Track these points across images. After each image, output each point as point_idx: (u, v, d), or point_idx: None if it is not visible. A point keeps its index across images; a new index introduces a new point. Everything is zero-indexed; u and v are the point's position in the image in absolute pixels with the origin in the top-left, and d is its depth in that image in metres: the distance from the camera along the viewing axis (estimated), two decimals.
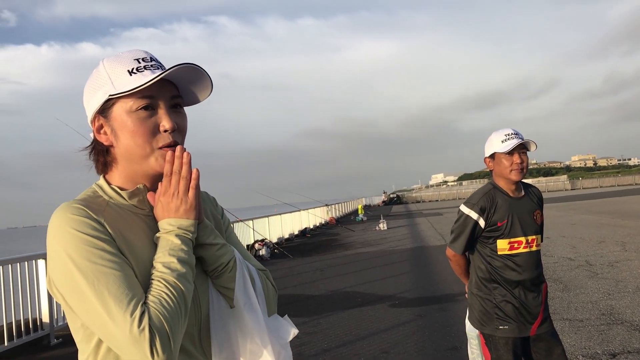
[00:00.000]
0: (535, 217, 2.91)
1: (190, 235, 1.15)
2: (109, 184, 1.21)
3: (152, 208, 1.20)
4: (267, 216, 18.20)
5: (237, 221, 14.95)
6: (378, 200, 69.77)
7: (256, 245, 15.19)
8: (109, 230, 1.10)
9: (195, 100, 1.24)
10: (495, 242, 2.83)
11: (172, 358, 1.03)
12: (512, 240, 2.83)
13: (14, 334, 6.10)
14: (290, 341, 1.28)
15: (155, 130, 1.15)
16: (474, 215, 2.83)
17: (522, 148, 2.83)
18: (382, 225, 22.82)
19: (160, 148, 1.16)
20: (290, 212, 21.44)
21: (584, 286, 7.58)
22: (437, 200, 68.76)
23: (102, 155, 1.21)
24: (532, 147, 2.85)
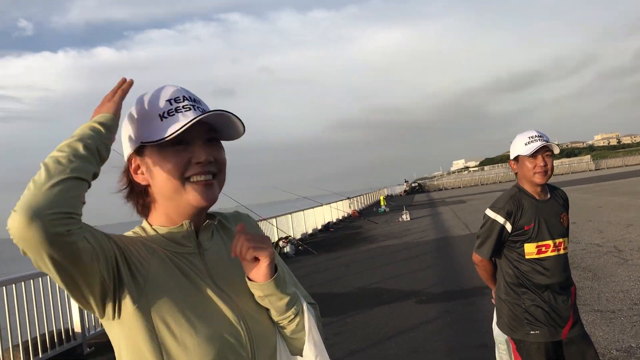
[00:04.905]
0: (562, 220, 2.86)
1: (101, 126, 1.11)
2: (150, 225, 1.21)
3: (197, 245, 1.20)
4: (290, 213, 18.26)
5: (261, 220, 15.02)
6: (400, 189, 69.49)
7: (280, 243, 15.25)
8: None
9: (230, 137, 1.22)
10: (523, 246, 2.80)
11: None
12: (540, 243, 2.79)
13: (48, 345, 6.21)
14: None
15: (188, 164, 1.14)
16: (500, 219, 2.80)
17: (546, 150, 2.79)
18: (405, 216, 22.74)
19: (194, 181, 1.14)
20: (313, 207, 21.47)
21: (613, 274, 7.46)
22: (459, 187, 68.23)
23: (141, 197, 1.20)
24: (556, 150, 2.80)
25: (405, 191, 67.36)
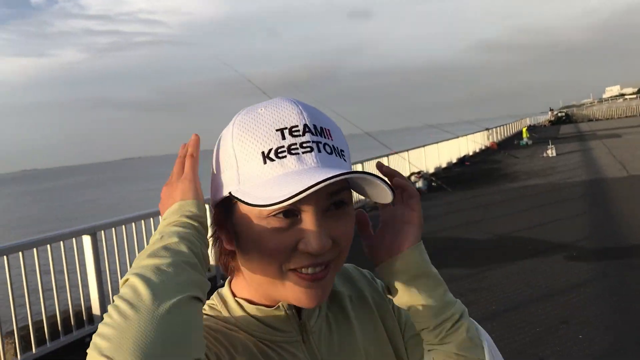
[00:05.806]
0: None
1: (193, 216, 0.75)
2: (234, 295, 0.85)
3: (300, 330, 0.83)
4: (423, 146, 17.57)
5: (392, 153, 14.57)
6: (544, 119, 64.62)
7: (412, 178, 14.77)
8: None
9: (367, 194, 0.80)
10: None
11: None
12: None
13: (60, 329, 4.71)
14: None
15: (292, 248, 0.74)
16: None
17: None
18: (551, 151, 20.93)
19: (296, 270, 0.75)
20: (447, 139, 20.50)
21: None
22: (612, 118, 61.75)
23: (224, 255, 0.84)
24: None
25: (550, 121, 62.49)
